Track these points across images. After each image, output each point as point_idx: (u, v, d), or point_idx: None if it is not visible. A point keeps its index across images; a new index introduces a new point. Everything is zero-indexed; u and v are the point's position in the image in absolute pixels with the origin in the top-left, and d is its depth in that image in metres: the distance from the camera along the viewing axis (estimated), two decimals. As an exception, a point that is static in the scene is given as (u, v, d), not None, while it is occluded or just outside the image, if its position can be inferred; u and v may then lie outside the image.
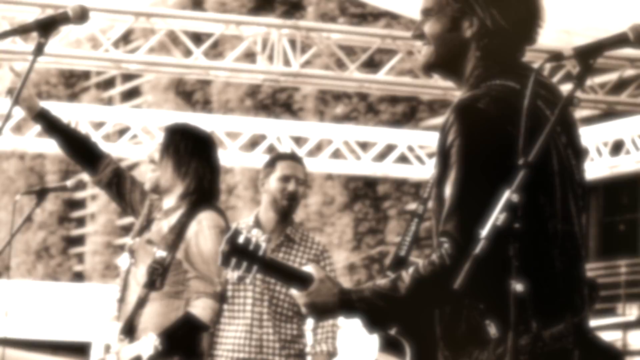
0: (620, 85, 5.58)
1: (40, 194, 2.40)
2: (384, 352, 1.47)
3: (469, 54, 1.44)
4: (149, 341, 2.07)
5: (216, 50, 8.58)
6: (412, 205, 8.87)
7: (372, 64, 6.20)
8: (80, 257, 13.45)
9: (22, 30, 1.59)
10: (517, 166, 1.23)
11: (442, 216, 1.37)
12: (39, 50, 1.55)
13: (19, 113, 4.13)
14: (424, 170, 6.45)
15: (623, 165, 6.01)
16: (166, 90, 11.41)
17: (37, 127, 4.36)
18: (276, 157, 2.90)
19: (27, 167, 13.28)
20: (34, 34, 1.58)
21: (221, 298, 2.21)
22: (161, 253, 2.20)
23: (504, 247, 1.21)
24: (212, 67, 5.32)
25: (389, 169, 6.69)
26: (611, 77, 5.65)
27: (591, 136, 6.01)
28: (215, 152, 2.32)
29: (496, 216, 1.20)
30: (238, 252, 1.40)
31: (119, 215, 12.28)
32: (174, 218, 2.24)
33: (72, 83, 13.46)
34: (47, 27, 1.57)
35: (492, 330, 1.35)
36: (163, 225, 2.25)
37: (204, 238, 2.20)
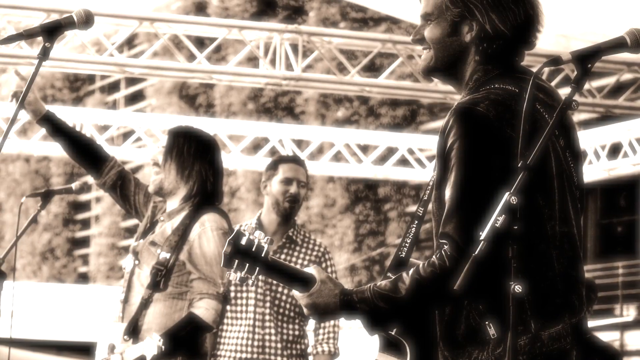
0: (617, 89, 5.60)
1: (46, 196, 2.42)
2: (384, 352, 1.48)
3: (469, 58, 1.45)
4: (152, 341, 2.09)
5: (219, 54, 8.62)
6: (412, 208, 8.90)
7: (372, 68, 6.24)
8: (84, 259, 13.50)
9: (27, 35, 1.61)
10: (516, 169, 1.24)
11: (442, 218, 1.38)
12: (44, 55, 1.56)
13: (25, 116, 4.16)
14: (424, 173, 6.47)
15: (620, 168, 6.02)
16: (170, 94, 11.45)
17: (43, 131, 4.38)
18: (278, 160, 2.92)
19: (33, 169, 13.34)
20: (40, 39, 1.60)
21: (224, 299, 2.23)
22: (165, 254, 2.22)
23: (503, 248, 1.23)
24: (215, 71, 5.34)
25: (390, 172, 6.71)
26: (609, 81, 5.67)
27: (589, 139, 6.03)
28: (218, 155, 2.34)
29: (495, 218, 1.22)
30: (241, 253, 1.42)
31: (123, 217, 12.32)
32: (177, 220, 2.26)
33: (77, 87, 13.52)
34: (52, 31, 1.59)
35: (491, 330, 1.37)
36: (166, 227, 2.27)
37: (207, 240, 2.22)
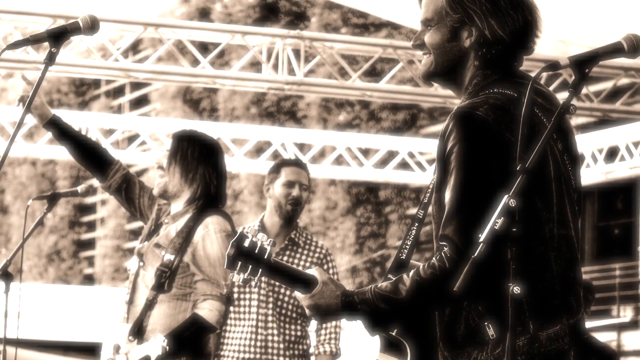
0: (614, 94, 5.63)
1: (52, 199, 2.45)
2: (385, 352, 1.50)
3: (468, 63, 1.47)
4: (157, 342, 2.11)
5: (222, 59, 8.65)
6: (412, 210, 8.93)
7: (373, 73, 6.26)
8: (90, 261, 13.53)
9: (34, 40, 1.62)
10: (515, 172, 1.26)
11: (442, 220, 1.40)
12: (50, 60, 1.58)
13: (31, 120, 4.19)
14: (424, 176, 6.51)
15: (617, 171, 6.06)
16: (174, 98, 11.49)
17: (49, 134, 4.38)
18: (281, 163, 2.95)
19: (39, 173, 13.39)
20: (46, 44, 1.62)
21: (227, 300, 2.25)
22: (169, 256, 2.24)
23: (502, 250, 1.24)
24: (219, 75, 5.38)
25: (390, 175, 6.74)
26: (606, 85, 5.69)
27: (587, 143, 6.08)
28: (221, 158, 2.36)
29: (494, 220, 1.24)
30: (244, 255, 1.44)
31: (128, 219, 12.36)
32: (181, 222, 2.29)
33: (83, 91, 13.57)
34: (58, 37, 1.60)
35: (490, 331, 1.39)
36: (171, 229, 2.29)
37: (210, 242, 2.25)
